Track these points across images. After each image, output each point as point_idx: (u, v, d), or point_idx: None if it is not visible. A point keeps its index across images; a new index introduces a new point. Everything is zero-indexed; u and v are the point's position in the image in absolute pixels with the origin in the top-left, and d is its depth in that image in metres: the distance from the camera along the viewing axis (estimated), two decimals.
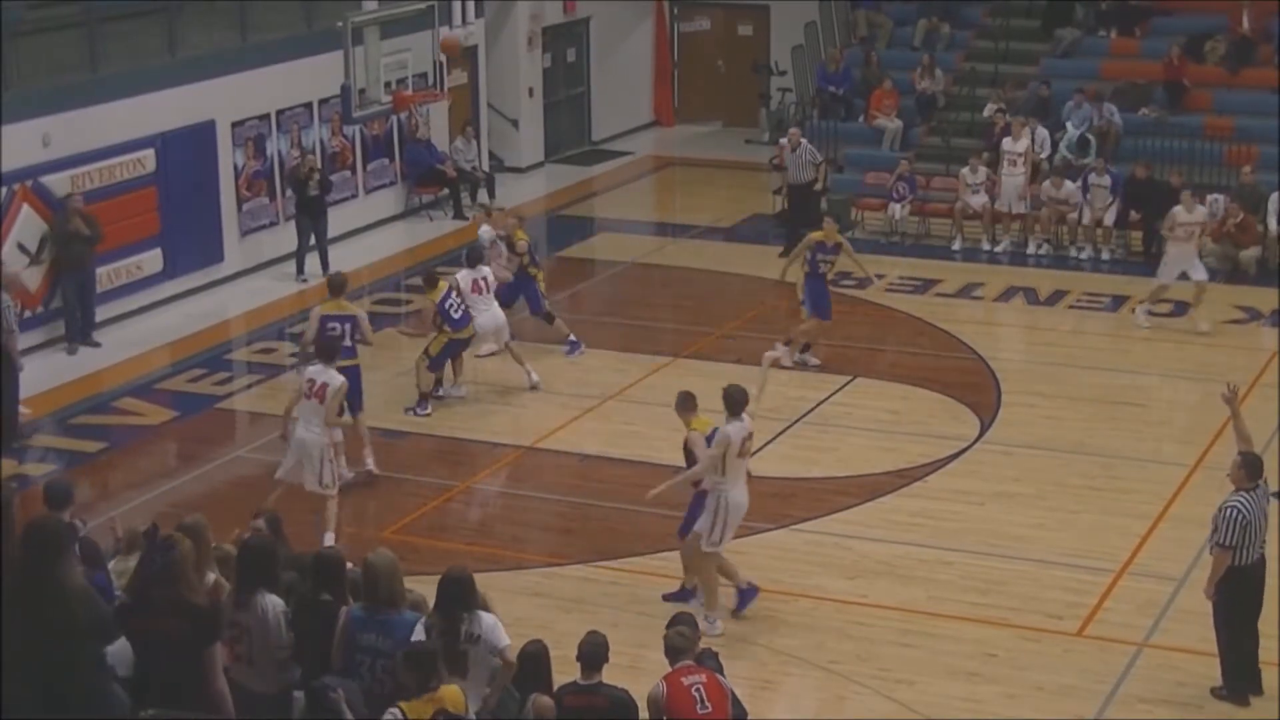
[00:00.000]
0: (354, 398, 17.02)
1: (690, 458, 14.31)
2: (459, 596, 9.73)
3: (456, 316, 19.03)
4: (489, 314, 19.57)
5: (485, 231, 21.07)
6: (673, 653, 10.43)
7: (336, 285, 17.73)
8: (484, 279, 19.65)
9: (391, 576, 9.68)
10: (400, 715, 8.98)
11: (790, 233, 25.17)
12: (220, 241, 24.06)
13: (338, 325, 17.27)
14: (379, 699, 9.54)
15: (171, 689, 9.07)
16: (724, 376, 20.24)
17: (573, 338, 21.04)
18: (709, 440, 14.16)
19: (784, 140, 27.85)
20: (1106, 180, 25.18)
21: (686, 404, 14.54)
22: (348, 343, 17.15)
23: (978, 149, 26.47)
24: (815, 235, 20.37)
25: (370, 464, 17.52)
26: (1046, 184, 25.47)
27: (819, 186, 25.55)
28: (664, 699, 10.23)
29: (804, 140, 25.59)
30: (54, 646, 9.54)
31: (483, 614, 9.81)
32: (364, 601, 9.69)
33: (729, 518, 14.11)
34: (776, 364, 18.98)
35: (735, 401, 14.11)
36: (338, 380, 15.65)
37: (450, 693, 9.14)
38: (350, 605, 9.79)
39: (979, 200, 25.64)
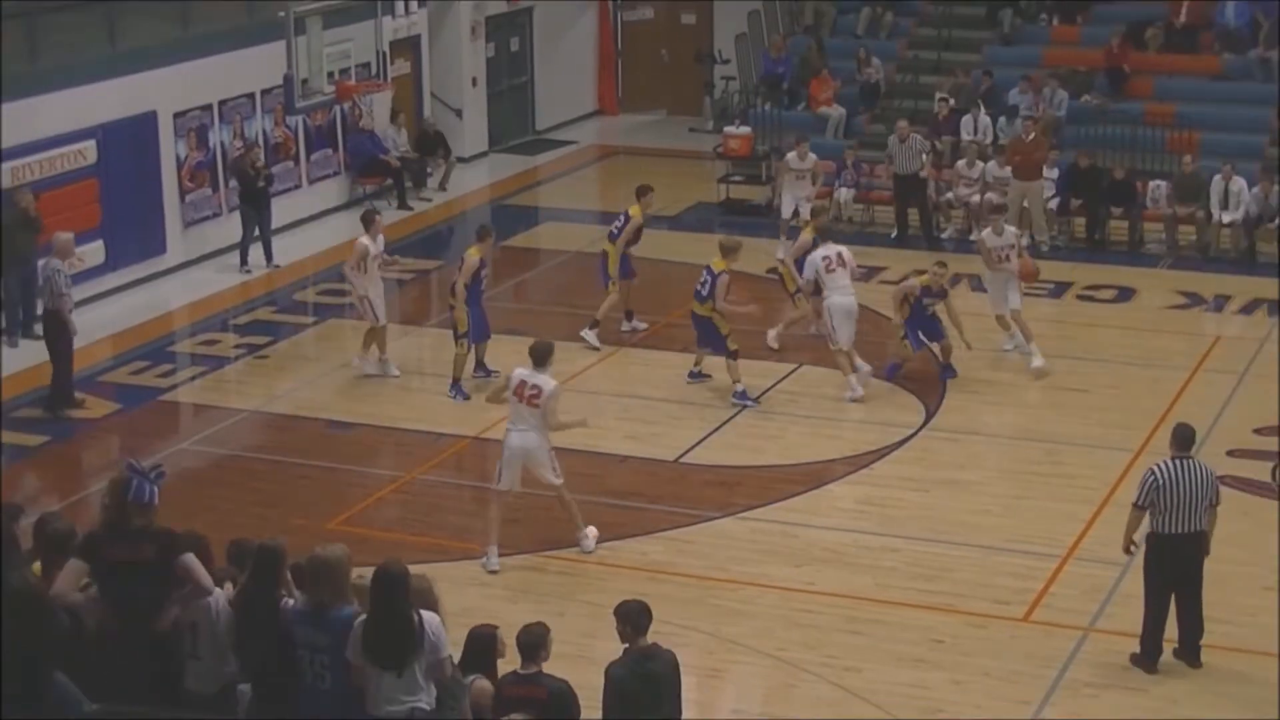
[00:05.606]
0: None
1: None
2: (389, 593, 9.50)
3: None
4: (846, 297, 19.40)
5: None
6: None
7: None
8: (839, 254, 19.56)
9: (336, 572, 9.55)
10: None
11: (901, 221, 25.42)
12: (163, 233, 23.89)
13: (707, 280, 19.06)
14: (321, 695, 9.48)
15: (134, 612, 9.63)
16: (669, 365, 20.45)
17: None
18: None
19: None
20: (1054, 173, 25.26)
21: None
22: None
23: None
24: (920, 280, 19.80)
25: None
26: (960, 164, 25.56)
27: (924, 174, 25.47)
28: None
29: (914, 133, 25.29)
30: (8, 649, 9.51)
31: (423, 614, 9.51)
32: (307, 596, 9.59)
33: None
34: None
35: None
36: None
37: None
38: (293, 599, 9.70)
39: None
